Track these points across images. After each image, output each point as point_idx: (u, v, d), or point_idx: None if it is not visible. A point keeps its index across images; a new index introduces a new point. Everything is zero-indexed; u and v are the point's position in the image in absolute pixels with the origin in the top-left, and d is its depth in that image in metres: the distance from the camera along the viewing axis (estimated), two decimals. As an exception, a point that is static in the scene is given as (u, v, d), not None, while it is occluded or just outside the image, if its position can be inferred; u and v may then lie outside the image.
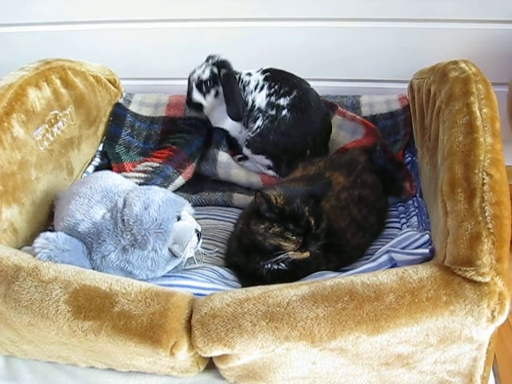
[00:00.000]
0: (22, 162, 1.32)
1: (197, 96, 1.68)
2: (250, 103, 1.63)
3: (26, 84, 1.38)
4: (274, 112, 1.58)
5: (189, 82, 1.68)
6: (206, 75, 1.65)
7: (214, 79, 1.65)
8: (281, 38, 1.85)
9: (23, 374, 1.17)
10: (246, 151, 1.67)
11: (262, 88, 1.62)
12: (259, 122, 1.60)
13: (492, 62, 1.74)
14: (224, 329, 0.93)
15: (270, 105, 1.59)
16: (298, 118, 1.58)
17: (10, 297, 1.01)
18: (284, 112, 1.57)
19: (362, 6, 1.74)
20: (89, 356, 1.12)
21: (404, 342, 0.95)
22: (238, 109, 1.62)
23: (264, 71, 1.65)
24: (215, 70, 1.64)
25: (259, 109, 1.61)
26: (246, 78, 1.65)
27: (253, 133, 1.62)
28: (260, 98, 1.61)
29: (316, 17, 1.79)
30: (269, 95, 1.60)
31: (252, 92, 1.63)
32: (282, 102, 1.58)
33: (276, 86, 1.60)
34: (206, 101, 1.68)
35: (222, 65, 1.64)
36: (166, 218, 1.19)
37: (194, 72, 1.67)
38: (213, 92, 1.66)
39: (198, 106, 1.70)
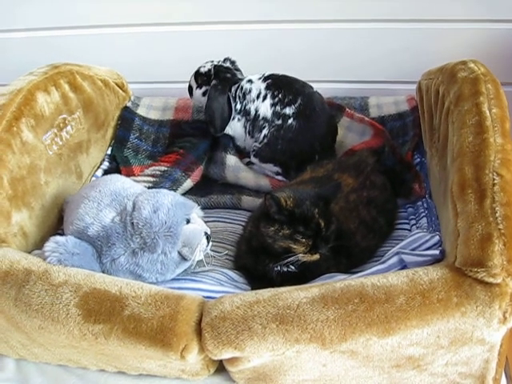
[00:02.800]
0: (32, 167, 1.32)
1: (192, 82, 1.73)
2: (252, 112, 1.63)
3: (34, 88, 1.38)
4: (280, 122, 1.57)
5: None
6: (203, 70, 1.69)
7: (207, 78, 1.67)
8: (289, 41, 1.85)
9: (34, 377, 1.17)
10: (254, 160, 1.66)
11: (265, 97, 1.61)
12: (265, 131, 1.60)
13: (501, 62, 1.73)
14: (234, 331, 0.93)
15: (275, 114, 1.58)
16: (305, 125, 1.57)
17: (20, 300, 1.01)
18: (290, 121, 1.56)
19: (370, 8, 1.74)
20: (99, 359, 1.12)
21: (415, 344, 0.95)
22: (215, 125, 1.65)
23: (266, 78, 1.64)
24: (212, 72, 1.66)
25: (264, 118, 1.60)
26: (246, 86, 1.64)
27: (260, 143, 1.62)
28: (264, 108, 1.60)
29: (324, 19, 1.79)
30: (273, 105, 1.59)
31: (254, 101, 1.62)
32: (288, 111, 1.57)
33: (280, 95, 1.59)
34: (195, 93, 1.72)
35: (219, 70, 1.66)
36: (175, 221, 1.19)
37: (206, 62, 1.70)
38: (203, 89, 1.70)
39: (190, 91, 1.75)
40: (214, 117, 1.64)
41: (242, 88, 1.65)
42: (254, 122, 1.63)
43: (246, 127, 1.67)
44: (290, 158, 1.59)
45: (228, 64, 1.71)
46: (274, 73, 1.66)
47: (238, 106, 1.66)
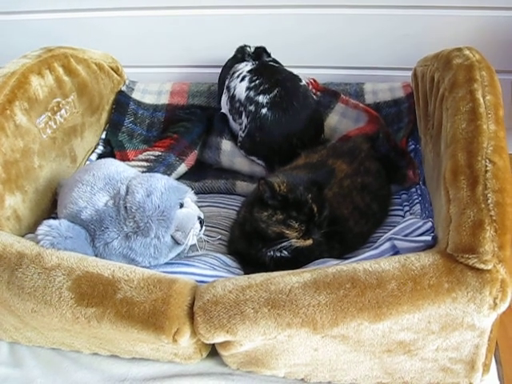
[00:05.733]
0: (25, 150, 1.32)
1: None
2: (231, 90, 1.63)
3: (28, 72, 1.37)
4: (252, 108, 1.56)
5: None
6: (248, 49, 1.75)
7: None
8: (285, 26, 1.84)
9: (27, 360, 1.18)
10: (242, 152, 1.66)
11: (243, 78, 1.61)
12: (244, 120, 1.59)
13: (496, 49, 1.72)
14: (226, 315, 0.93)
15: (248, 99, 1.57)
16: (280, 118, 1.54)
17: (13, 284, 1.02)
18: (264, 111, 1.54)
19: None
20: (92, 343, 1.12)
21: (406, 329, 0.96)
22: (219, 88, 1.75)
23: (254, 63, 1.65)
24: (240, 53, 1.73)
25: (239, 100, 1.59)
26: (240, 66, 1.66)
27: (243, 132, 1.61)
28: (240, 89, 1.60)
29: (320, 4, 1.78)
30: (248, 88, 1.58)
31: (234, 79, 1.63)
32: (261, 99, 1.55)
33: (257, 81, 1.58)
34: None
35: (240, 49, 1.74)
36: (168, 205, 1.19)
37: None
38: None
39: None
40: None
41: (235, 67, 1.66)
42: (231, 101, 1.63)
43: (227, 104, 1.67)
44: (272, 153, 1.58)
45: (251, 50, 1.74)
46: (266, 60, 1.66)
47: (226, 82, 1.67)
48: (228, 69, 1.71)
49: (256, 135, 1.57)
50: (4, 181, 1.23)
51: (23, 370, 1.15)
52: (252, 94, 1.57)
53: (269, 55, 1.75)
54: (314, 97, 1.69)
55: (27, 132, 1.34)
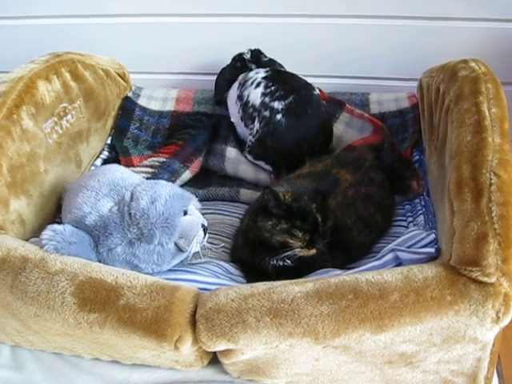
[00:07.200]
0: (31, 154, 1.33)
1: None
2: (245, 98, 1.63)
3: (35, 77, 1.38)
4: (267, 113, 1.56)
5: None
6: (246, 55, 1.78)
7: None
8: (291, 35, 1.84)
9: (29, 364, 1.18)
10: (248, 157, 1.67)
11: (258, 85, 1.60)
12: (257, 125, 1.59)
13: (502, 62, 1.72)
14: (228, 324, 0.93)
15: (263, 105, 1.57)
16: (293, 125, 1.55)
17: (16, 287, 1.02)
18: (278, 117, 1.54)
19: (374, 4, 1.74)
20: (94, 348, 1.12)
21: (408, 340, 0.95)
22: (215, 95, 1.82)
23: (268, 70, 1.65)
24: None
25: (253, 106, 1.59)
26: (250, 75, 1.65)
27: (253, 137, 1.61)
28: (255, 95, 1.60)
29: (327, 14, 1.78)
30: (264, 94, 1.58)
31: (249, 87, 1.63)
32: (277, 105, 1.55)
33: (272, 88, 1.58)
34: None
35: (236, 57, 1.76)
36: (172, 212, 1.19)
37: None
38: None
39: None
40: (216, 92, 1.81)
41: (246, 76, 1.67)
42: (244, 108, 1.63)
43: (239, 112, 1.67)
44: (281, 158, 1.59)
45: (249, 56, 1.76)
46: (281, 69, 1.66)
47: (238, 92, 1.67)
48: (228, 80, 1.75)
49: (267, 140, 1.58)
50: (9, 185, 1.24)
51: (25, 374, 1.15)
52: (267, 99, 1.57)
53: (265, 56, 1.77)
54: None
55: (33, 137, 1.34)
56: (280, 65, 1.76)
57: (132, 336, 0.97)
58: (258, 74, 1.64)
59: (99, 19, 1.90)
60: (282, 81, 1.60)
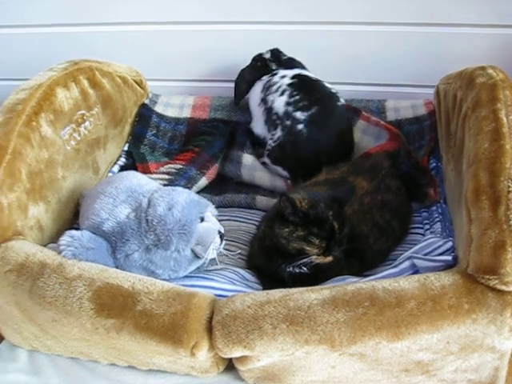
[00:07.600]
0: (50, 161, 1.34)
1: None
2: (269, 103, 1.63)
3: (54, 84, 1.40)
4: (289, 123, 1.56)
5: None
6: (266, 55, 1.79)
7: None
8: (307, 42, 1.85)
9: (46, 368, 1.19)
10: (267, 160, 1.66)
11: (282, 93, 1.60)
12: (279, 133, 1.59)
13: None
14: (244, 330, 0.94)
15: (286, 114, 1.57)
16: (314, 136, 1.55)
17: (35, 293, 1.03)
18: (300, 127, 1.54)
19: (390, 11, 1.73)
20: (110, 353, 1.13)
21: (424, 349, 0.95)
22: (235, 97, 1.81)
23: (294, 76, 1.64)
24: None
25: (277, 114, 1.59)
26: (275, 79, 1.65)
27: (274, 142, 1.61)
28: (278, 103, 1.59)
29: (343, 21, 1.79)
30: (287, 103, 1.58)
31: (274, 93, 1.62)
32: (299, 115, 1.55)
33: (297, 97, 1.57)
34: None
35: (257, 57, 1.78)
36: (189, 219, 1.19)
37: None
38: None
39: None
40: (236, 94, 1.81)
41: (271, 79, 1.66)
42: (268, 113, 1.63)
43: (263, 115, 1.66)
44: (299, 166, 1.59)
45: (268, 55, 1.77)
46: (308, 75, 1.66)
47: (262, 95, 1.67)
48: (248, 82, 1.75)
49: (287, 147, 1.58)
50: (28, 191, 1.25)
51: (41, 378, 1.16)
52: (291, 109, 1.57)
53: (284, 54, 1.78)
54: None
55: (52, 143, 1.36)
56: (299, 63, 1.76)
57: (148, 342, 0.98)
58: (284, 79, 1.63)
59: (117, 27, 1.92)
60: (307, 90, 1.60)
